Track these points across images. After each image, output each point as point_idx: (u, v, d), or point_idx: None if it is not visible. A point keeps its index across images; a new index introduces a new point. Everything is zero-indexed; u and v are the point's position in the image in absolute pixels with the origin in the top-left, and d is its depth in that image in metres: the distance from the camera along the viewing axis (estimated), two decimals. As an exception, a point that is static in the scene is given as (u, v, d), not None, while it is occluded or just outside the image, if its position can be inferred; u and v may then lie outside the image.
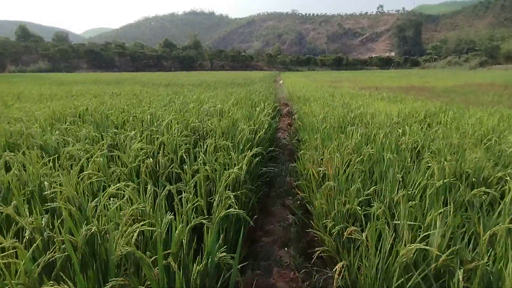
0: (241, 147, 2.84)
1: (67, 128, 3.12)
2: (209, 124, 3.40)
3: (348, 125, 4.93)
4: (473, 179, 2.40)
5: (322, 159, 3.32)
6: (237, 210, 1.68)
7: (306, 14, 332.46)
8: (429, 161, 2.81)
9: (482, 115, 5.31)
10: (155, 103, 5.02)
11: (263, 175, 3.31)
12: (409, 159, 3.23)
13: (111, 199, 1.65)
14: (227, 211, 1.66)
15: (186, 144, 2.83)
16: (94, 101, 6.37)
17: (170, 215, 1.51)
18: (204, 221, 1.54)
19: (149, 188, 1.73)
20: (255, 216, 2.48)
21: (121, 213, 1.52)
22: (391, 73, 45.80)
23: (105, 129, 3.27)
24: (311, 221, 2.53)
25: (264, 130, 3.63)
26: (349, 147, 3.39)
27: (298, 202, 3.31)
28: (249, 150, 2.88)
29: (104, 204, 1.54)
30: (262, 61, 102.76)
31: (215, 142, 2.83)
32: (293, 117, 6.81)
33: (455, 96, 10.34)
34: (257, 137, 3.40)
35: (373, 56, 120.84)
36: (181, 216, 1.58)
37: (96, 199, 1.62)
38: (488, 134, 3.71)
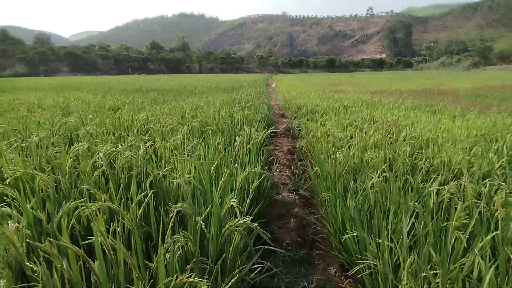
0: None
1: None
2: None
3: (408, 170, 2.54)
4: None
5: None
6: None
7: (296, 16, 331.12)
8: None
9: None
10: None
11: None
12: None
13: None
14: None
15: None
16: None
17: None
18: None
19: None
20: None
21: None
22: (388, 74, 43.86)
23: None
24: None
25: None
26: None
27: None
28: None
29: None
30: (253, 63, 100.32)
31: None
32: (298, 144, 4.30)
33: (499, 102, 8.04)
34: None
35: (366, 57, 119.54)
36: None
37: None
38: None
